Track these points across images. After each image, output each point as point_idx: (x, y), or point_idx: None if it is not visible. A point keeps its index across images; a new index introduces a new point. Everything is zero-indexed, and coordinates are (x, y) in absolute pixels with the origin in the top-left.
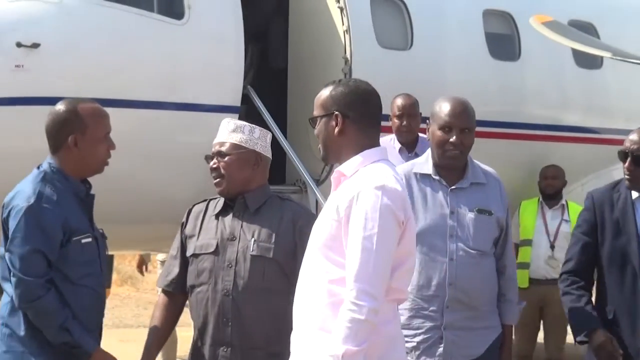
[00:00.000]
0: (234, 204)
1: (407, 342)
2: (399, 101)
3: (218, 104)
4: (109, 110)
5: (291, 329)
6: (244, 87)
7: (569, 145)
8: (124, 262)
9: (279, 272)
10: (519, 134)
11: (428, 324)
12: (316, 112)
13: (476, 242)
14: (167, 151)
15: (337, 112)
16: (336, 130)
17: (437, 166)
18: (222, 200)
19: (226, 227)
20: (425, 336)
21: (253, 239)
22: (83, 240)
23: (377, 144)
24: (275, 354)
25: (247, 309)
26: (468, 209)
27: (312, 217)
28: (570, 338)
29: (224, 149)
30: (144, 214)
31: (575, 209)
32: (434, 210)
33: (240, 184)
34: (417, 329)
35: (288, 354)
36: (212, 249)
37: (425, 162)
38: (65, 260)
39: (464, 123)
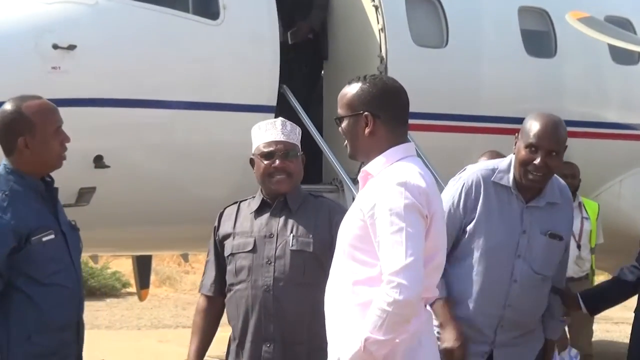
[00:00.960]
0: (272, 202)
1: None
2: None
3: (254, 104)
4: (145, 111)
5: None
6: (280, 86)
7: (606, 141)
8: (162, 262)
9: (318, 266)
10: None
11: (478, 339)
12: (342, 112)
13: (542, 266)
14: (203, 151)
15: (367, 113)
16: (366, 131)
17: (516, 181)
18: (255, 200)
19: (263, 225)
20: (473, 350)
21: (292, 235)
22: (44, 239)
23: (404, 141)
24: (318, 348)
25: (288, 304)
26: (540, 230)
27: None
28: (597, 335)
29: (290, 149)
30: (180, 214)
31: (590, 205)
32: (507, 226)
33: (298, 183)
34: (466, 339)
35: None
36: (249, 247)
37: (506, 172)
38: (27, 261)
39: (552, 145)
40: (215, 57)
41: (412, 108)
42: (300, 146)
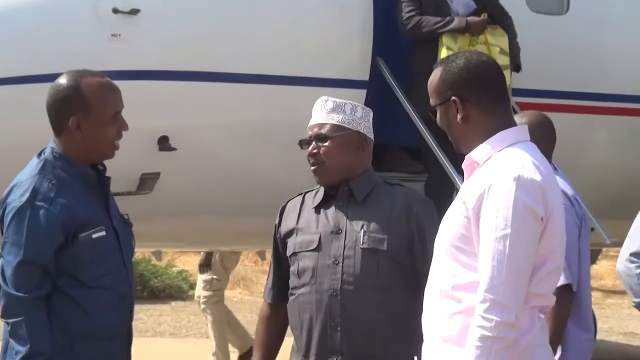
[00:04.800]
0: (336, 193)
1: None
2: None
3: (342, 78)
4: (218, 85)
5: (411, 331)
6: (373, 59)
7: None
8: None
9: (394, 266)
10: None
11: None
12: (432, 102)
13: None
14: (283, 132)
15: (454, 98)
16: (458, 117)
17: None
18: (321, 190)
19: (329, 219)
20: None
21: (362, 230)
22: (94, 236)
23: (509, 122)
24: None
25: (358, 312)
26: None
27: (428, 203)
28: None
29: (324, 131)
30: (256, 204)
31: None
32: None
33: (343, 171)
34: None
35: None
36: (314, 246)
37: None
38: (74, 261)
39: None
40: (298, 24)
41: (525, 84)
42: (359, 124)
